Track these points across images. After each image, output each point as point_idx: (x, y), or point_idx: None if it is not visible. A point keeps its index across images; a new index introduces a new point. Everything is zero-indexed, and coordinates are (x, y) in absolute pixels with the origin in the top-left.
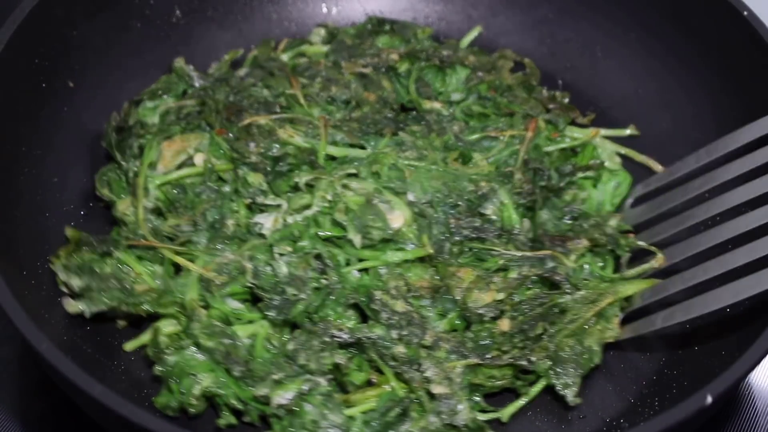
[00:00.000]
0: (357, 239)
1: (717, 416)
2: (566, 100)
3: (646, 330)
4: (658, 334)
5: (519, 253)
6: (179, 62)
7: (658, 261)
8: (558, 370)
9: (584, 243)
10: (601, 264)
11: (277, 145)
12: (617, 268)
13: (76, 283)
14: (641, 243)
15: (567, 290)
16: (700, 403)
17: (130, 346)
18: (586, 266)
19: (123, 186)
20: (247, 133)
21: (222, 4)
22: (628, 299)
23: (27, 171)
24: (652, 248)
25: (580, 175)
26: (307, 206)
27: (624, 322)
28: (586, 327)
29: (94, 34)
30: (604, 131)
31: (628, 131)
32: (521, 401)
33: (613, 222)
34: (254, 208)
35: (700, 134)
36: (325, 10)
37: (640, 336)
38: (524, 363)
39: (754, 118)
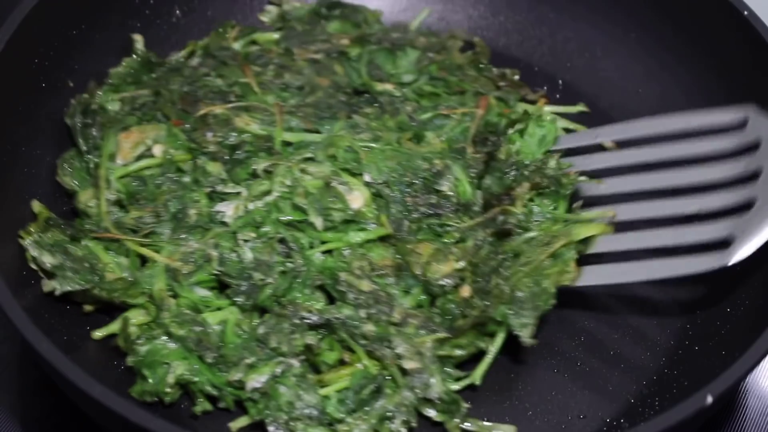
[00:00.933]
0: (318, 222)
1: (717, 416)
2: (516, 77)
3: (602, 281)
4: (658, 333)
5: (472, 222)
6: (138, 42)
7: (610, 212)
8: (514, 309)
9: (526, 187)
10: (552, 207)
11: (234, 134)
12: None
13: (48, 260)
14: (582, 178)
15: (517, 232)
16: (701, 403)
17: (99, 334)
18: (536, 208)
19: (84, 175)
20: (203, 122)
21: (222, 4)
22: (584, 242)
23: (27, 171)
24: (594, 180)
25: (510, 131)
26: (267, 192)
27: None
28: (543, 269)
29: (94, 34)
30: (553, 107)
31: (578, 107)
32: (489, 357)
33: (552, 163)
34: (215, 197)
35: None
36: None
37: (600, 286)
38: (485, 319)
39: None
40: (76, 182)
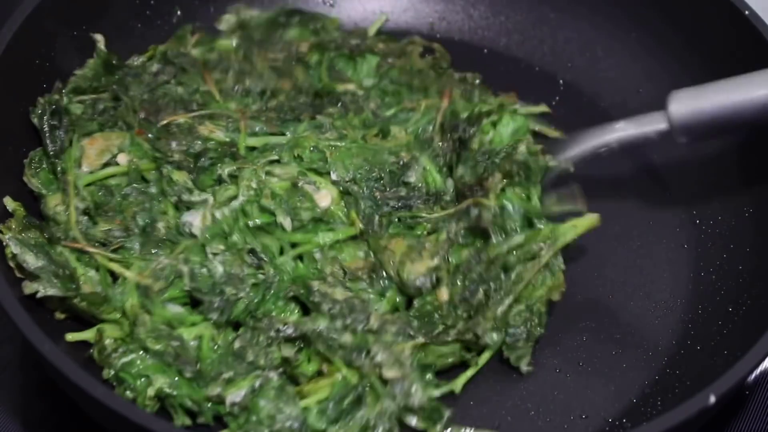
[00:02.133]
0: (287, 222)
1: (718, 416)
2: (477, 81)
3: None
4: (660, 332)
5: (443, 213)
6: (100, 42)
7: (576, 188)
8: (508, 342)
9: (498, 177)
10: (524, 195)
11: (199, 142)
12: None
13: (30, 260)
14: (552, 163)
15: (499, 237)
16: (703, 403)
17: (71, 337)
18: (509, 205)
19: (50, 177)
20: (167, 132)
21: (223, 4)
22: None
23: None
24: (564, 166)
25: (486, 121)
26: (233, 197)
27: None
28: (534, 288)
29: (94, 35)
30: (516, 107)
31: (540, 108)
32: (471, 371)
33: (522, 147)
34: (181, 206)
35: None
36: (325, 10)
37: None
38: (471, 338)
39: None
40: (41, 183)
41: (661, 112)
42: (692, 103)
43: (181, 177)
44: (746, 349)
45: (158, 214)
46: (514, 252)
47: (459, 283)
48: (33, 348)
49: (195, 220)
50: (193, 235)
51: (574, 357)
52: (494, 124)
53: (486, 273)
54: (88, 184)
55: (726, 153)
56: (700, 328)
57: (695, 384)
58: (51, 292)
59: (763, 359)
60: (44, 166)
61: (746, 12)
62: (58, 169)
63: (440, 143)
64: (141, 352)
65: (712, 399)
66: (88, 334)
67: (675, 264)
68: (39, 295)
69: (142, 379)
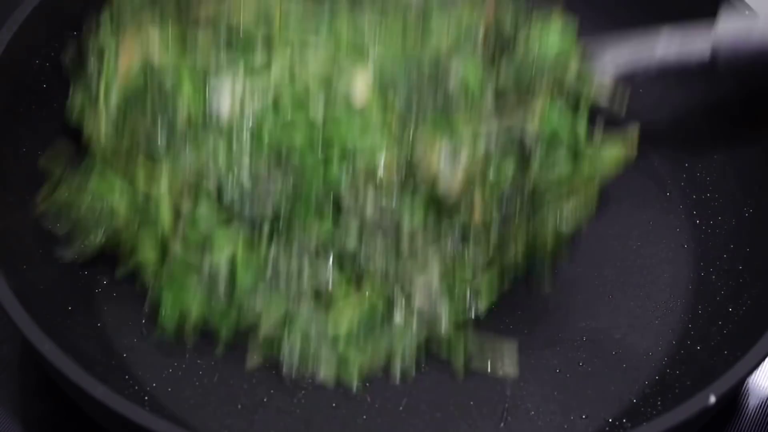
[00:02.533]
0: (320, 113)
1: (717, 416)
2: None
3: None
4: (660, 332)
5: (484, 121)
6: None
7: (634, 131)
8: (534, 264)
9: (543, 96)
10: (571, 123)
11: (226, 27)
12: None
13: (62, 224)
14: (603, 103)
15: (540, 164)
16: (703, 403)
17: (121, 272)
18: (553, 130)
19: (88, 107)
20: (196, 23)
21: None
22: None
23: (27, 172)
24: (616, 108)
25: (533, 27)
26: (266, 65)
27: None
28: (563, 214)
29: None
30: None
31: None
32: (495, 296)
33: (573, 67)
34: (206, 80)
35: (700, 134)
36: None
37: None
38: (500, 265)
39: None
40: (84, 118)
41: (706, 30)
42: (740, 26)
43: (206, 43)
44: (746, 349)
45: (178, 99)
46: (554, 183)
47: (494, 209)
48: (33, 348)
49: (224, 103)
50: (219, 125)
51: (574, 357)
52: (541, 32)
53: (522, 201)
54: (120, 91)
55: (726, 153)
56: (700, 328)
57: (695, 384)
58: (83, 247)
59: (763, 359)
60: (84, 99)
61: (746, 12)
62: (92, 91)
63: (482, 48)
64: (174, 282)
65: (712, 399)
66: (132, 263)
67: (675, 264)
68: (69, 258)
69: (178, 310)
